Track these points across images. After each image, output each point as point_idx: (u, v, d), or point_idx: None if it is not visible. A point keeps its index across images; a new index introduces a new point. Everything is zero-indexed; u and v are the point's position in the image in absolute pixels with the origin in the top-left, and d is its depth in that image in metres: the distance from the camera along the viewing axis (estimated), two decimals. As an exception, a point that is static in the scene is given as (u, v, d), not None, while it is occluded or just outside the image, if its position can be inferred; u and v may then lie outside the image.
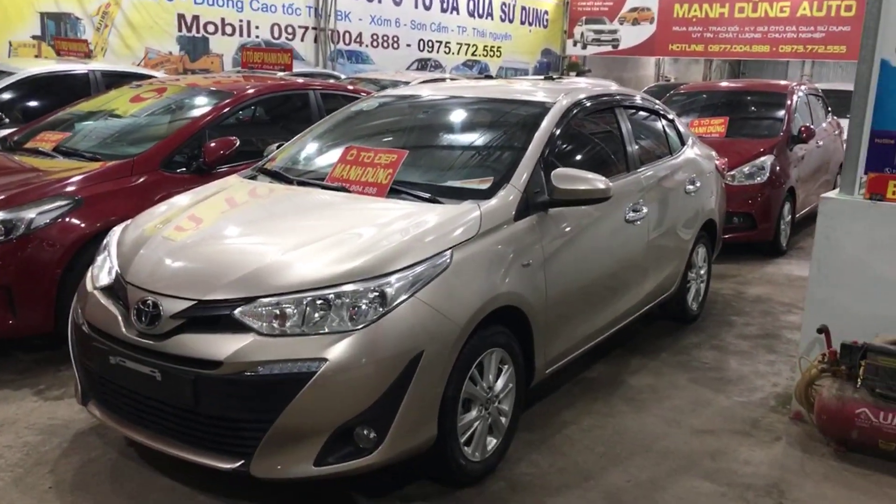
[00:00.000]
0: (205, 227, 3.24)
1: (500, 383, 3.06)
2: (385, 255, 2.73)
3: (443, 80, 9.59)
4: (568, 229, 3.47)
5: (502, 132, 3.88)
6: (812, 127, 7.55)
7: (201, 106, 5.09)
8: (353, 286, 2.62)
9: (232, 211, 3.48)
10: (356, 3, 15.77)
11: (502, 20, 19.86)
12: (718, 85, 9.71)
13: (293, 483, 2.80)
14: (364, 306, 2.59)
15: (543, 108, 3.74)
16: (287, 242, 2.87)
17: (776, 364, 4.44)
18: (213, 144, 4.57)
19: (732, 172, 6.60)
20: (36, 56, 10.64)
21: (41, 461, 3.11)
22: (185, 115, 5.05)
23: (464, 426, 2.89)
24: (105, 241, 3.32)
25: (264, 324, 2.58)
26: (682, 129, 5.16)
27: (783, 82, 9.15)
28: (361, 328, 2.56)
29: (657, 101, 5.18)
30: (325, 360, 2.50)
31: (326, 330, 2.56)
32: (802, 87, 8.33)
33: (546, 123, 3.61)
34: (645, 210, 4.14)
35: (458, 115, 4.14)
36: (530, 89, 4.32)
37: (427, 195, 3.22)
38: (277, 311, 2.59)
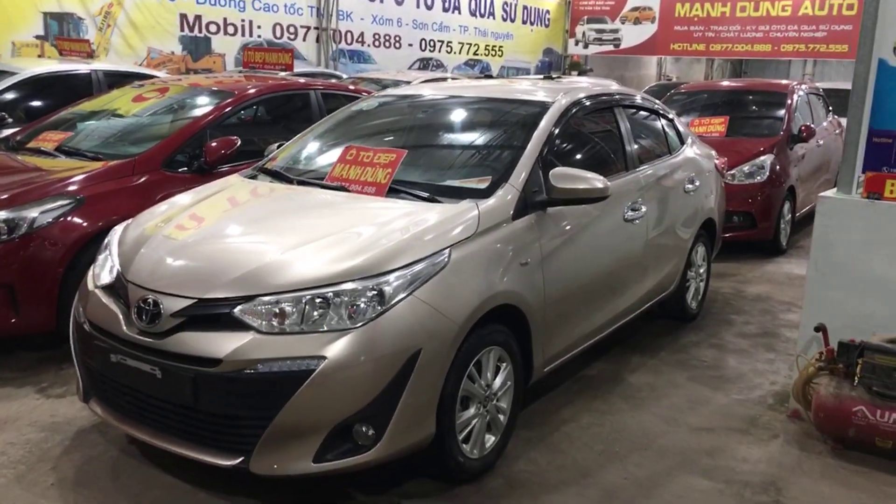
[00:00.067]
0: (205, 227, 3.26)
1: (498, 381, 3.07)
2: (383, 253, 2.74)
3: (444, 79, 9.62)
4: (567, 228, 3.49)
5: (501, 131, 3.90)
6: (812, 126, 7.56)
7: (203, 106, 5.11)
8: (352, 285, 2.64)
9: (232, 210, 3.50)
10: (358, 2, 15.77)
11: (504, 20, 19.86)
12: (719, 84, 9.71)
13: (292, 480, 2.81)
14: (363, 304, 2.61)
15: (542, 108, 3.76)
16: (286, 241, 2.89)
17: (775, 362, 4.45)
18: (214, 144, 4.59)
19: (732, 171, 6.61)
20: (39, 56, 10.65)
21: (43, 458, 3.13)
22: (186, 115, 5.06)
23: (462, 424, 2.91)
24: (106, 240, 3.34)
25: (264, 322, 2.60)
26: (681, 128, 5.17)
27: (783, 81, 9.15)
28: (360, 326, 2.58)
29: (657, 101, 5.20)
30: (324, 357, 2.52)
31: (325, 328, 2.58)
32: (803, 87, 8.32)
33: (545, 123, 3.62)
34: (644, 209, 4.15)
35: (457, 115, 4.16)
36: (530, 89, 4.33)
37: (426, 194, 3.24)
38: (277, 310, 2.60)
